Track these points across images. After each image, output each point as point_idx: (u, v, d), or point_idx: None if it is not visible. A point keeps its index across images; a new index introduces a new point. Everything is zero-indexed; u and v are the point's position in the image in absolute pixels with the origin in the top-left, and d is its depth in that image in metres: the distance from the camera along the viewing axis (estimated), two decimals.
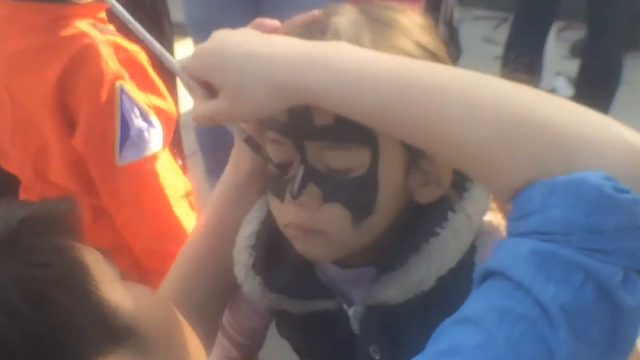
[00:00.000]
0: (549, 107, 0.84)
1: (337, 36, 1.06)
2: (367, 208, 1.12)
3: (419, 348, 1.05)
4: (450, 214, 1.16)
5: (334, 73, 0.91)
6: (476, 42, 4.21)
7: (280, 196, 1.13)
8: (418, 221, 1.18)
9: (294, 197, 1.09)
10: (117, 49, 1.61)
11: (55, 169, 1.73)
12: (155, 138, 1.65)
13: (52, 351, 0.73)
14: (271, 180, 1.16)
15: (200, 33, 2.70)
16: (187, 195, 1.76)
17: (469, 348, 0.77)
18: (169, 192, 1.62)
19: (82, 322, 0.75)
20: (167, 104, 1.71)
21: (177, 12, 3.07)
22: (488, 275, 0.82)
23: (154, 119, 1.64)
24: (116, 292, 0.81)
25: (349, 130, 1.03)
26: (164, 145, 1.70)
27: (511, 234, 0.82)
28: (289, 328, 1.36)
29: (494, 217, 1.21)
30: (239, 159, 1.26)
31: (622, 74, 3.58)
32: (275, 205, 1.17)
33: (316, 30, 1.09)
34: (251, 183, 1.26)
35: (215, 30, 1.03)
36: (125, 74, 1.60)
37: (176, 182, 1.70)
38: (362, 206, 1.12)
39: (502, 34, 3.88)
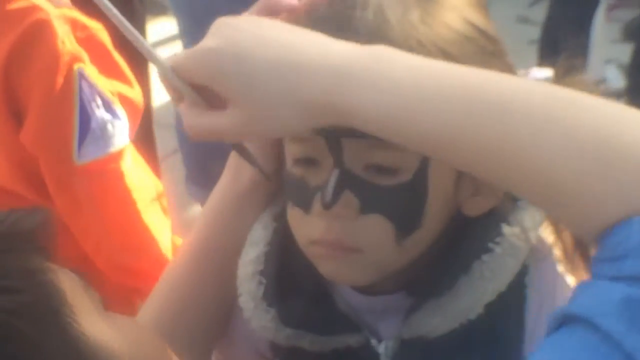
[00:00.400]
0: None
1: (381, 12, 1.05)
2: (414, 220, 1.10)
3: None
4: (505, 227, 1.15)
5: (380, 91, 0.87)
6: (509, 23, 4.25)
7: (306, 206, 1.10)
8: (465, 237, 1.17)
9: (327, 207, 1.05)
10: (75, 25, 1.60)
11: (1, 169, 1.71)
12: (120, 132, 1.64)
13: None
14: (292, 186, 1.14)
15: (184, 8, 2.70)
16: (159, 198, 1.77)
17: None
18: (136, 195, 1.61)
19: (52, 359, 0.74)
20: (134, 92, 1.71)
21: None
22: (567, 320, 0.81)
23: (119, 109, 1.63)
24: (97, 324, 0.79)
25: None
26: (130, 140, 1.71)
27: (598, 276, 0.82)
28: None
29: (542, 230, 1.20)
30: (241, 165, 1.22)
31: None
32: (297, 217, 1.13)
33: (348, 10, 1.07)
34: (255, 193, 1.24)
35: (213, 15, 1.00)
36: (85, 56, 1.58)
37: (145, 184, 1.69)
38: (407, 218, 1.10)
39: (539, 12, 3.88)
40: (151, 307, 1.30)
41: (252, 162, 1.14)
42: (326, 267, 1.13)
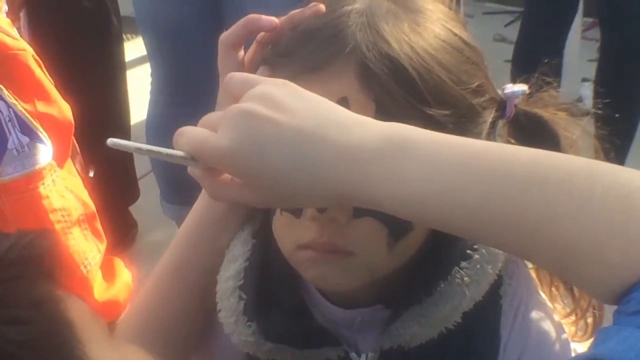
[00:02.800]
0: None
1: (373, 21, 1.07)
2: (405, 224, 1.08)
3: None
4: None
5: (400, 183, 0.87)
6: (486, 42, 4.22)
7: (296, 211, 1.10)
8: (445, 245, 1.17)
9: (322, 209, 1.06)
10: None
11: None
12: (41, 152, 1.62)
13: None
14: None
15: (150, 28, 2.68)
16: (89, 220, 1.72)
17: None
18: (54, 217, 1.59)
19: None
20: (59, 110, 1.68)
21: (127, 4, 3.07)
22: None
23: (39, 130, 1.61)
24: (105, 354, 0.78)
25: None
26: (64, 157, 1.68)
27: (623, 324, 0.81)
28: None
29: None
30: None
31: None
32: (285, 223, 1.13)
33: (334, 30, 1.09)
34: (232, 213, 1.24)
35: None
36: (4, 77, 1.57)
37: (70, 205, 1.66)
38: (399, 222, 1.03)
39: (516, 31, 3.89)
40: (129, 325, 1.29)
41: None
42: (315, 272, 1.12)
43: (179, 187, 2.49)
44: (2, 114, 1.58)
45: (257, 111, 0.90)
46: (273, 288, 1.21)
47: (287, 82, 0.95)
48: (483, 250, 1.16)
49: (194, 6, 2.63)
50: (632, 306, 0.79)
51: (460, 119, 1.04)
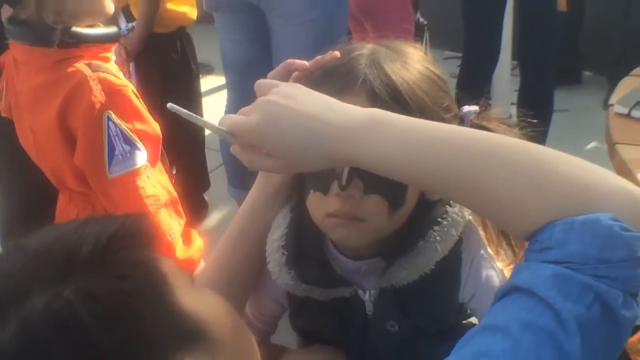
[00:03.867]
0: (569, 165, 0.83)
1: (376, 62, 1.06)
2: (400, 199, 1.09)
3: (424, 319, 1.20)
4: (448, 208, 1.15)
5: (377, 149, 0.87)
6: (446, 78, 4.24)
7: (324, 190, 1.09)
8: (424, 214, 1.16)
9: (343, 189, 1.05)
10: (105, 84, 1.55)
11: (70, 180, 1.69)
12: (138, 157, 1.61)
13: (131, 353, 0.68)
14: (313, 178, 1.12)
15: (227, 66, 2.70)
16: (173, 204, 1.68)
17: (498, 352, 0.76)
18: (148, 201, 1.58)
19: (160, 329, 0.71)
20: (151, 128, 1.66)
21: (200, 54, 3.12)
22: (513, 289, 0.80)
23: (137, 141, 1.61)
24: (190, 298, 0.76)
25: None
26: (155, 160, 1.66)
27: (532, 261, 0.81)
28: (307, 316, 1.31)
29: (473, 217, 1.21)
30: (267, 179, 1.23)
31: (553, 105, 3.50)
32: (316, 199, 1.12)
33: (348, 68, 1.07)
34: (277, 196, 1.23)
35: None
36: (112, 105, 1.56)
37: (158, 193, 1.64)
38: (396, 197, 1.09)
39: None
40: (204, 275, 1.27)
41: None
42: (338, 233, 1.12)
43: (241, 175, 2.42)
44: (111, 130, 1.56)
45: (277, 100, 0.89)
46: (305, 247, 1.20)
47: (299, 84, 0.94)
48: (449, 219, 1.15)
49: (257, 52, 2.53)
50: (537, 245, 0.79)
51: None
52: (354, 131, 0.87)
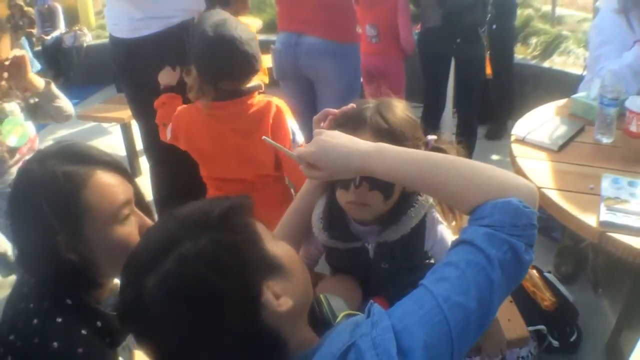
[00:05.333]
0: (491, 170, 0.91)
1: (379, 112, 1.18)
2: (390, 194, 1.21)
3: (403, 260, 1.21)
4: (419, 197, 1.28)
5: (385, 162, 0.95)
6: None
7: (346, 188, 1.21)
8: (405, 201, 1.26)
9: (356, 187, 1.18)
10: (280, 105, 1.97)
11: (270, 163, 1.98)
12: (300, 140, 1.95)
13: (242, 277, 0.79)
14: (340, 181, 1.22)
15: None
16: None
17: (452, 278, 0.82)
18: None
19: (257, 262, 0.82)
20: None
21: None
22: (461, 242, 0.87)
23: (298, 132, 1.98)
24: (272, 245, 0.86)
25: None
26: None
27: (472, 225, 0.87)
28: (335, 257, 1.42)
29: (434, 201, 1.32)
30: (313, 181, 1.34)
31: (476, 135, 3.74)
32: (341, 192, 1.23)
33: (360, 114, 1.18)
34: (318, 190, 1.35)
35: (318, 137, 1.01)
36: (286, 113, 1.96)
37: None
38: (388, 193, 1.20)
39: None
40: (278, 229, 1.34)
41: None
42: (354, 213, 1.24)
43: None
44: (290, 123, 1.92)
45: (325, 138, 0.99)
46: (334, 219, 1.30)
47: (337, 131, 1.03)
48: (419, 203, 1.27)
49: (305, 105, 2.82)
50: (475, 216, 0.87)
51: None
52: (369, 155, 0.94)
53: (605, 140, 2.14)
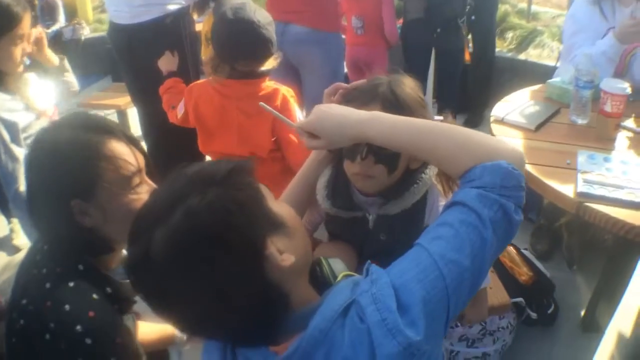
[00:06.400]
0: (482, 136, 0.91)
1: (391, 88, 1.16)
2: (394, 167, 1.21)
3: (405, 235, 1.09)
4: (423, 174, 1.27)
5: (381, 129, 0.95)
6: None
7: (352, 158, 1.21)
8: (408, 177, 1.26)
9: (362, 159, 1.18)
10: (288, 92, 2.03)
11: (266, 145, 2.01)
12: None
13: (248, 229, 0.79)
14: (346, 151, 1.23)
15: None
16: None
17: (447, 236, 0.83)
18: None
19: (261, 217, 0.82)
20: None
21: None
22: (454, 203, 0.87)
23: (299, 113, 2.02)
24: (275, 204, 0.86)
25: None
26: None
27: (463, 188, 0.87)
28: (335, 225, 1.41)
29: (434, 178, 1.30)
30: (319, 151, 1.35)
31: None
32: (348, 163, 1.23)
33: (375, 86, 1.18)
34: (324, 160, 1.34)
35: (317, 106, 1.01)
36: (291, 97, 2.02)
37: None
38: (393, 167, 1.20)
39: None
40: (284, 197, 1.33)
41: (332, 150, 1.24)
42: (359, 184, 1.25)
43: None
44: (295, 106, 1.97)
45: (323, 109, 1.00)
46: (337, 188, 1.30)
47: (334, 104, 1.04)
48: (423, 180, 1.26)
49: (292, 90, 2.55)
50: (466, 179, 0.87)
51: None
52: (362, 122, 0.95)
53: (580, 121, 2.18)
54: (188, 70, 2.48)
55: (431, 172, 1.27)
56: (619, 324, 0.87)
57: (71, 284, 1.06)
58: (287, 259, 0.80)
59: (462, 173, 0.88)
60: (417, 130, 0.91)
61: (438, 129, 0.91)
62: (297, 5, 2.72)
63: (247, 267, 0.77)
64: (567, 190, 1.64)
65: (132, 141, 1.15)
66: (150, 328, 1.38)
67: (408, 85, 1.23)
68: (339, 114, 0.97)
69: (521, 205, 0.86)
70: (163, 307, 0.80)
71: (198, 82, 2.11)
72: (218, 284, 0.75)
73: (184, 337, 1.42)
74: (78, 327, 1.00)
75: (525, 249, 2.56)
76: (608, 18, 2.45)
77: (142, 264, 0.78)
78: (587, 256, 2.75)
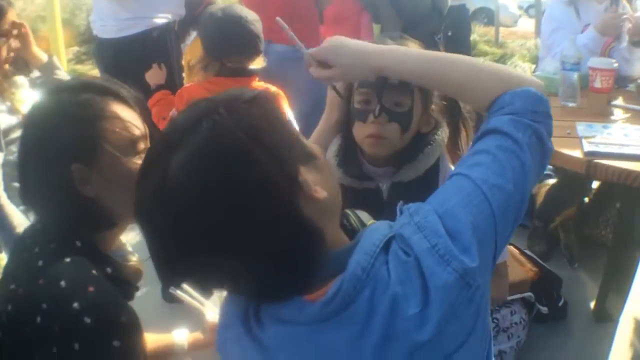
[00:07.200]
0: (505, 67, 0.93)
1: (400, 36, 1.23)
2: (408, 126, 1.19)
3: (419, 200, 0.91)
4: (436, 136, 1.26)
5: (397, 59, 0.94)
6: None
7: (364, 120, 1.19)
8: (421, 139, 1.24)
9: (376, 117, 1.16)
10: (278, 92, 1.97)
11: None
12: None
13: (279, 150, 0.71)
14: (357, 113, 1.20)
15: None
16: None
17: (486, 162, 0.80)
18: None
19: (292, 143, 0.74)
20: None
21: None
22: (486, 132, 0.84)
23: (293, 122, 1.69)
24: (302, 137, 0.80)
25: (403, 88, 1.13)
26: None
27: (493, 116, 0.84)
28: (349, 198, 1.16)
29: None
30: (330, 113, 1.30)
31: None
32: (358, 126, 1.21)
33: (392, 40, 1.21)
34: (336, 127, 1.31)
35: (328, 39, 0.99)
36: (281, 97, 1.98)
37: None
38: (406, 125, 1.19)
39: None
40: None
41: (338, 93, 1.17)
42: (371, 148, 1.21)
43: None
44: (287, 109, 1.96)
45: (338, 38, 0.97)
46: (348, 157, 1.28)
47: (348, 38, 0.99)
48: (436, 142, 1.25)
49: None
50: (495, 107, 0.85)
51: None
52: (383, 52, 0.94)
53: (571, 104, 2.21)
54: (175, 84, 2.45)
55: (443, 134, 1.25)
56: (632, 310, 0.87)
57: (67, 260, 0.94)
58: (320, 192, 0.72)
59: (489, 102, 0.86)
60: (444, 61, 0.89)
61: (462, 60, 0.89)
62: (272, 23, 2.69)
63: (279, 192, 0.67)
64: (574, 152, 1.67)
65: (138, 105, 1.07)
66: (149, 338, 1.26)
67: (410, 44, 1.24)
68: (357, 44, 0.95)
69: (551, 133, 0.84)
70: (180, 256, 0.68)
71: (186, 85, 2.11)
72: (248, 215, 0.65)
73: (184, 346, 1.32)
74: (75, 305, 0.87)
75: (525, 250, 2.53)
76: (582, 18, 2.55)
77: (155, 200, 0.67)
78: (586, 252, 2.75)
